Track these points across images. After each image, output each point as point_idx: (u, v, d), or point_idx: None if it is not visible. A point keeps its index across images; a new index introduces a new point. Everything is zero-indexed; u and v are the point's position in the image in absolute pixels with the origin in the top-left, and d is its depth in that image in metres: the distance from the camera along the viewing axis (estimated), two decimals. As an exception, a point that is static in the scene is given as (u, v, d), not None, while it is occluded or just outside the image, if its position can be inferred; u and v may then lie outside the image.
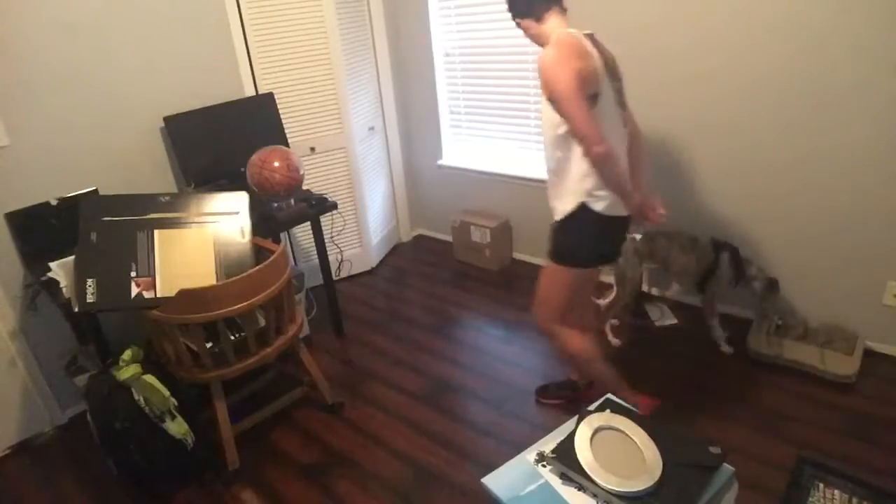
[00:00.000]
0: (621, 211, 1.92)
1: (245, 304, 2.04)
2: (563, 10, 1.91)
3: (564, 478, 1.36)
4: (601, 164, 1.79)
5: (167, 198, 2.21)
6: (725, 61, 2.52)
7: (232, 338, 2.17)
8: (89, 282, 1.97)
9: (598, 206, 1.89)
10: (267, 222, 2.64)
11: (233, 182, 2.84)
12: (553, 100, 1.80)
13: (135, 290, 2.00)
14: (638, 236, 2.69)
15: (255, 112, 2.97)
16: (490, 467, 1.45)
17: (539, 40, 1.92)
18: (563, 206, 1.94)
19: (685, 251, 2.62)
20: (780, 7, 2.31)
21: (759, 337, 2.63)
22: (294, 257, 3.54)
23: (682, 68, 2.65)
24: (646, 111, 2.82)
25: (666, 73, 2.70)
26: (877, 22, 2.14)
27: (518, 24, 1.96)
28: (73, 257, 2.08)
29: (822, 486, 1.52)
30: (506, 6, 1.97)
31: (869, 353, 2.55)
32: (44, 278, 2.25)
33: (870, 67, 2.21)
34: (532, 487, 1.35)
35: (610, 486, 1.26)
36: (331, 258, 3.39)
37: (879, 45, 2.16)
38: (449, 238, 3.99)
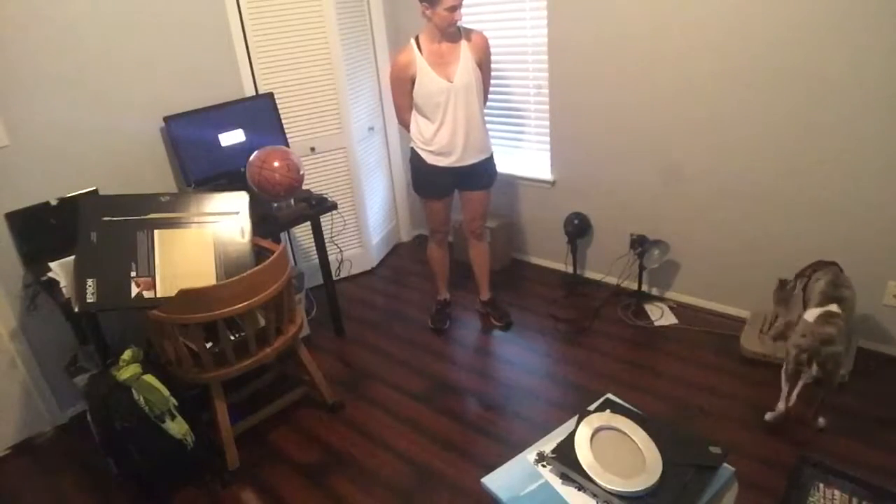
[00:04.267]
0: None
1: (245, 304, 2.04)
2: None
3: (564, 478, 1.36)
4: None
5: (167, 198, 2.21)
6: (725, 66, 2.52)
7: (232, 338, 2.18)
8: (89, 282, 1.97)
9: None
10: (267, 222, 2.64)
11: (233, 182, 2.84)
12: (489, 70, 2.72)
13: (135, 290, 2.00)
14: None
15: (255, 112, 2.97)
16: (490, 467, 1.45)
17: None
18: (490, 147, 2.78)
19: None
20: (779, 9, 2.32)
21: (751, 336, 2.63)
22: (294, 257, 3.54)
23: (678, 72, 2.65)
24: (648, 114, 2.83)
25: (666, 76, 2.70)
26: (879, 25, 2.14)
27: None
28: (73, 257, 2.08)
29: (822, 486, 1.52)
30: None
31: (870, 354, 2.55)
32: (44, 278, 2.25)
33: (870, 70, 2.21)
34: (532, 487, 1.35)
35: (610, 486, 1.26)
36: (331, 258, 3.39)
37: (881, 47, 2.16)
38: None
